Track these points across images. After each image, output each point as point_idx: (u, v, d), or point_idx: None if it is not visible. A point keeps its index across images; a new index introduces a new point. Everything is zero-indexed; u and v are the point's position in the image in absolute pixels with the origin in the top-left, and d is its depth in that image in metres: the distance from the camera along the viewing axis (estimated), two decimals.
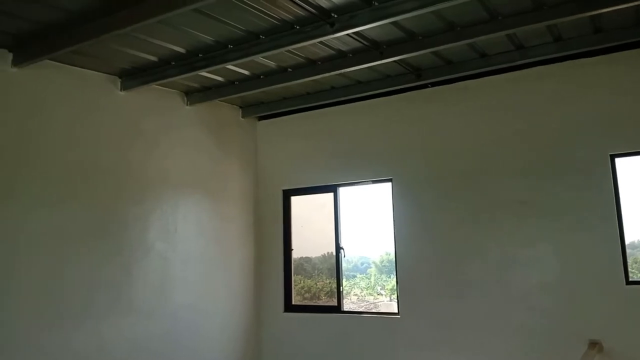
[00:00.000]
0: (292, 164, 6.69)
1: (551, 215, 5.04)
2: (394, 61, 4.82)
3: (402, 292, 5.75)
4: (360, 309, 7.50)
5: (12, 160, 4.23)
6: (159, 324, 5.27)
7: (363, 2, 3.78)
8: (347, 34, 4.13)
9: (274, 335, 6.50)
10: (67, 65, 4.68)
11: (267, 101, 6.39)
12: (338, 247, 6.30)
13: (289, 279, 6.58)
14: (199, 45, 4.45)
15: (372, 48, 4.60)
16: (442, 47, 4.44)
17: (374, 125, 6.15)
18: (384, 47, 4.61)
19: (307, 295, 6.68)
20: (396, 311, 5.83)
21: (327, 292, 6.50)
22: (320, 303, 6.50)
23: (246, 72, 5.21)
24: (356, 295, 9.20)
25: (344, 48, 4.66)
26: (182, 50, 4.53)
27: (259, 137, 6.97)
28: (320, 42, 4.40)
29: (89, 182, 4.78)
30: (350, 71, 5.08)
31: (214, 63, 4.60)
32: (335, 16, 3.93)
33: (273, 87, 5.38)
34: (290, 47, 4.29)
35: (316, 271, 6.68)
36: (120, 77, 5.13)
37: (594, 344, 4.67)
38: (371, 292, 9.31)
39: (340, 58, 4.86)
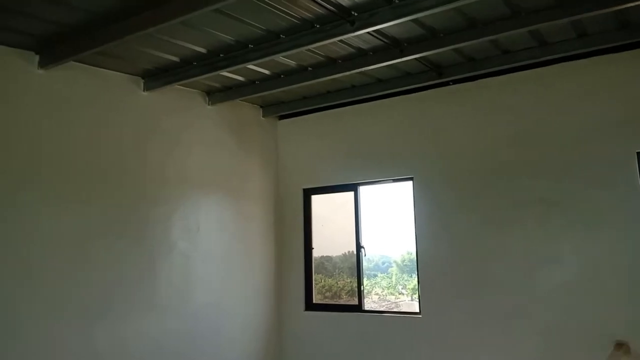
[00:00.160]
0: (312, 162, 6.70)
1: (575, 213, 4.96)
2: (415, 59, 4.79)
3: (424, 292, 5.72)
4: (382, 309, 7.48)
5: (38, 159, 4.33)
6: (180, 322, 5.33)
7: (384, 0, 3.76)
8: (368, 32, 4.12)
9: (294, 334, 6.52)
10: (91, 67, 4.76)
11: (287, 100, 6.42)
12: (359, 246, 6.29)
13: (309, 277, 6.59)
14: (220, 45, 4.49)
15: (392, 46, 4.58)
16: (463, 44, 4.40)
17: (395, 123, 6.12)
18: (405, 44, 4.58)
19: (327, 294, 6.69)
20: (418, 311, 5.80)
21: (348, 291, 6.50)
22: (341, 302, 6.50)
23: (266, 72, 5.23)
24: (377, 294, 9.17)
25: (364, 46, 4.65)
26: (203, 50, 4.57)
27: (279, 136, 7.00)
28: (341, 41, 4.39)
29: (113, 182, 4.86)
30: (371, 69, 5.06)
31: (234, 63, 4.63)
32: (356, 14, 3.93)
33: (293, 86, 5.39)
34: (310, 46, 4.30)
35: (337, 270, 6.68)
36: (143, 78, 5.21)
37: (620, 345, 4.58)
38: (392, 291, 9.27)
39: (361, 56, 4.85)
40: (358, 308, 6.19)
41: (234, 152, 6.24)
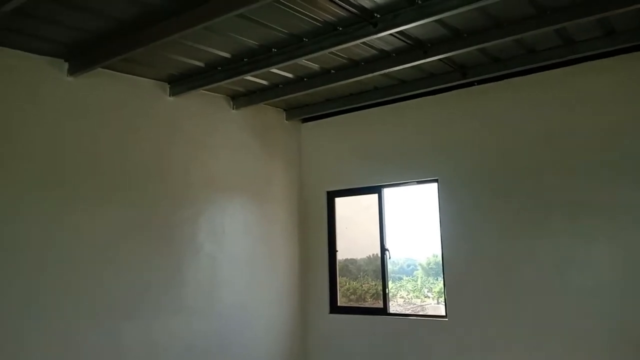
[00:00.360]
0: (335, 165, 6.70)
1: (607, 214, 4.84)
2: (439, 59, 4.74)
3: (450, 295, 5.66)
4: (407, 312, 7.43)
5: (68, 165, 4.44)
6: (207, 323, 5.39)
7: (406, 1, 3.75)
8: (390, 34, 4.10)
9: (319, 337, 6.52)
10: (118, 73, 4.87)
11: (310, 103, 6.44)
12: (383, 249, 6.26)
13: (334, 280, 6.59)
14: (243, 49, 4.54)
15: (415, 47, 4.55)
16: (488, 44, 4.34)
17: (419, 125, 6.08)
18: (428, 45, 4.56)
19: (352, 297, 6.68)
20: (444, 314, 5.74)
21: (373, 294, 6.47)
22: (366, 305, 6.48)
23: (290, 75, 5.26)
24: (402, 297, 9.13)
25: (387, 48, 4.64)
26: (227, 55, 4.63)
27: (302, 139, 7.03)
28: (363, 43, 4.39)
29: (140, 185, 4.95)
30: (394, 71, 5.03)
31: (258, 67, 4.67)
32: (378, 16, 3.92)
33: (316, 89, 5.41)
34: (333, 49, 4.31)
35: (361, 273, 6.66)
36: (169, 83, 5.30)
37: None
38: (418, 294, 9.21)
39: (384, 58, 4.84)
40: (383, 311, 6.16)
41: (258, 155, 6.29)
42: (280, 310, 6.32)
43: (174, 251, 5.16)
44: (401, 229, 7.60)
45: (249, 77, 5.13)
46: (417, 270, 9.59)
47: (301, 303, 6.61)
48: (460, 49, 4.44)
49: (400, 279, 9.42)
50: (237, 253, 5.83)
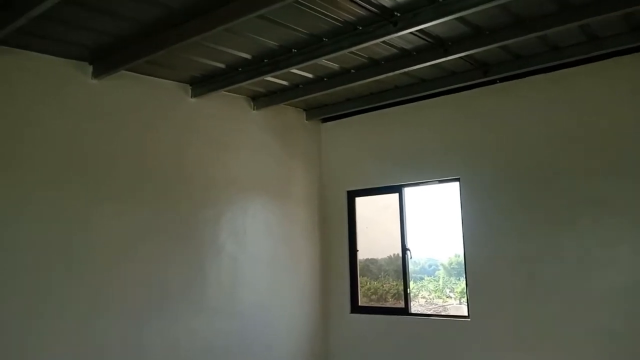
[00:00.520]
0: (356, 165, 6.70)
1: (632, 214, 4.75)
2: (460, 57, 4.71)
3: (472, 295, 5.61)
4: (429, 312, 7.38)
5: (91, 165, 4.52)
6: (228, 323, 5.43)
7: None
8: (411, 32, 4.09)
9: (341, 336, 6.52)
10: (141, 75, 4.94)
11: (330, 103, 6.44)
12: (404, 249, 6.23)
13: (354, 280, 6.58)
14: (264, 50, 4.56)
15: (436, 45, 4.52)
16: (510, 41, 4.29)
17: (440, 123, 6.04)
18: (449, 43, 4.52)
19: (373, 297, 6.66)
20: (466, 314, 5.69)
21: (394, 294, 6.44)
22: (387, 305, 6.45)
23: (310, 75, 5.28)
24: (424, 297, 9.06)
25: (407, 46, 4.62)
26: (248, 56, 4.66)
27: (323, 139, 7.03)
28: (383, 42, 4.37)
29: (163, 185, 5.02)
30: (414, 69, 5.01)
31: (278, 68, 4.70)
32: (398, 14, 3.90)
33: (336, 89, 5.41)
34: (353, 48, 4.31)
35: (382, 273, 6.64)
36: (190, 85, 5.35)
37: None
38: (440, 294, 9.14)
39: (404, 57, 4.82)
40: (404, 311, 6.13)
41: (278, 155, 6.32)
42: (301, 310, 6.34)
43: (195, 252, 5.22)
44: (422, 229, 7.56)
45: (269, 78, 5.16)
46: (439, 270, 9.51)
47: (322, 303, 6.62)
48: (481, 46, 4.40)
49: (422, 279, 9.35)
50: (258, 253, 5.86)
